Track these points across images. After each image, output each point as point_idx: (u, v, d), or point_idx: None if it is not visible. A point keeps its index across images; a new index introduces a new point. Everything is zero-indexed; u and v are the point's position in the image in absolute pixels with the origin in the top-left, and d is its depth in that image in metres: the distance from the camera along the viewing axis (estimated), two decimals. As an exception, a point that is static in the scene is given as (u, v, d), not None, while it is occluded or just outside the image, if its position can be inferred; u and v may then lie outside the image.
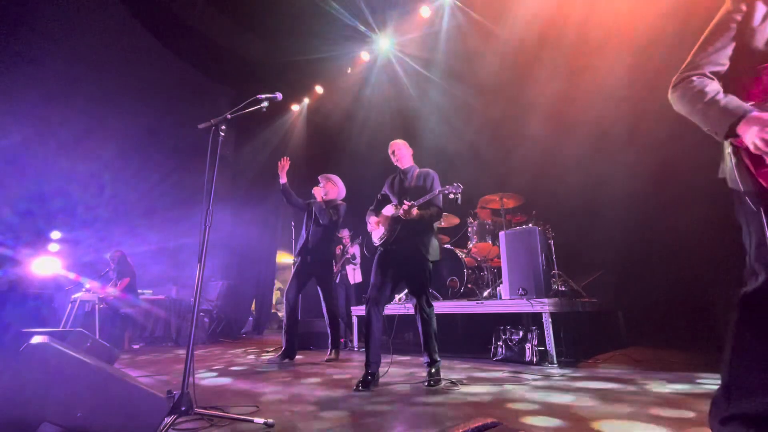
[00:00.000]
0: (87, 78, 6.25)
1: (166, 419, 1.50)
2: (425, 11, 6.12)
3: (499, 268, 4.21)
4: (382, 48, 6.86)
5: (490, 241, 4.68)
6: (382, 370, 2.66)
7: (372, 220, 2.92)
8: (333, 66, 7.37)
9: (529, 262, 3.71)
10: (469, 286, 4.59)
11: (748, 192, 1.06)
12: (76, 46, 6.13)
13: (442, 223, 5.27)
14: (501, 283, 4.05)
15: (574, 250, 4.47)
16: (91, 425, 1.26)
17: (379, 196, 3.05)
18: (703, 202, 3.74)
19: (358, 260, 6.19)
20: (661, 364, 2.98)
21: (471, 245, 4.80)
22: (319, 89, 8.04)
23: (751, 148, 0.99)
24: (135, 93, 6.68)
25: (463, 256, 4.70)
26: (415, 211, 2.58)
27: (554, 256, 4.06)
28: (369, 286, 2.75)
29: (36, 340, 1.30)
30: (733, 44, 1.15)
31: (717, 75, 1.16)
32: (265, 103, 2.23)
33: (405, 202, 2.59)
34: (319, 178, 4.06)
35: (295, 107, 8.77)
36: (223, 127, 2.09)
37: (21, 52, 5.70)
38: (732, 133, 1.04)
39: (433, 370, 2.59)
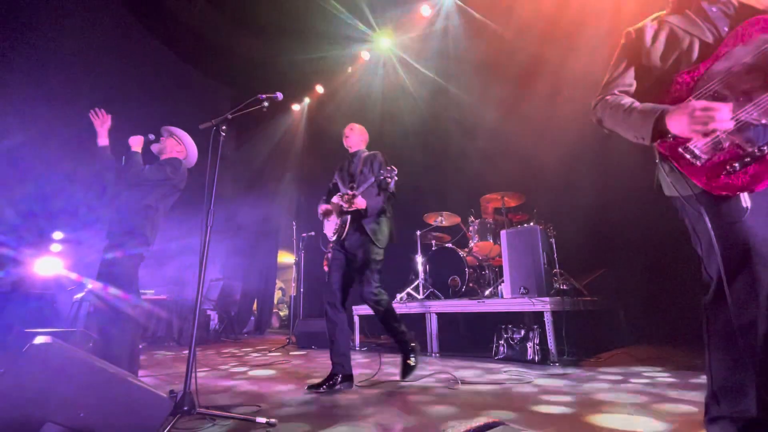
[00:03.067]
0: (88, 79, 6.26)
1: (168, 419, 1.51)
2: (426, 10, 6.12)
3: (501, 267, 4.20)
4: (383, 47, 6.85)
5: (491, 240, 4.68)
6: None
7: (321, 210, 2.78)
8: (333, 65, 7.37)
9: (530, 260, 3.71)
10: (471, 285, 4.59)
11: (687, 196, 1.09)
12: (77, 47, 6.14)
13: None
14: (502, 281, 4.05)
15: (575, 249, 4.46)
16: (93, 425, 1.27)
17: (330, 185, 2.93)
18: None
19: None
20: (662, 362, 2.97)
21: (472, 244, 4.80)
22: (319, 89, 8.04)
23: (690, 136, 1.01)
24: (136, 93, 6.69)
25: (465, 255, 4.70)
26: (360, 200, 2.49)
27: (555, 255, 4.05)
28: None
29: (39, 340, 1.30)
30: (633, 67, 1.29)
31: (627, 94, 1.27)
32: (266, 103, 2.23)
33: (347, 192, 2.51)
34: (162, 129, 2.89)
35: (295, 107, 8.77)
36: (224, 128, 2.09)
37: (23, 52, 5.72)
38: (659, 133, 1.08)
39: (411, 361, 2.47)
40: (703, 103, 0.98)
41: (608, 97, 1.27)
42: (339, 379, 2.43)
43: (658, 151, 1.15)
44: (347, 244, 2.63)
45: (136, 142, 2.72)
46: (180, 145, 2.90)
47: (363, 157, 2.79)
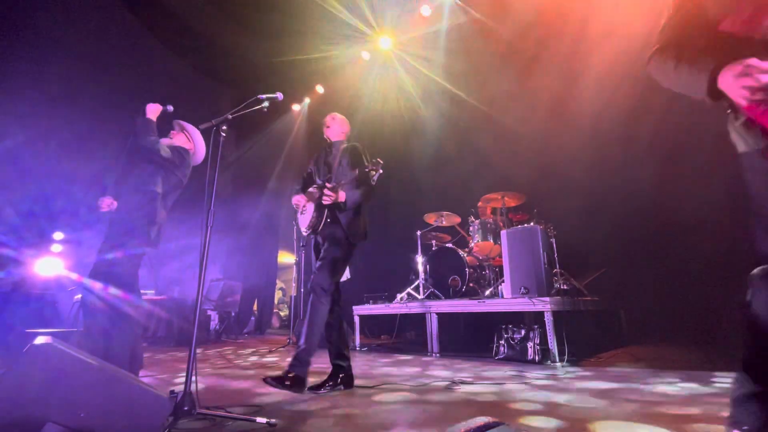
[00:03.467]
0: (89, 79, 6.27)
1: (169, 419, 1.51)
2: (426, 10, 6.12)
3: (501, 267, 4.20)
4: (383, 47, 6.85)
5: (491, 240, 4.68)
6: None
7: (295, 201, 2.62)
8: (334, 65, 7.37)
9: (530, 260, 3.71)
10: (471, 285, 4.59)
11: (763, 149, 0.91)
12: (78, 48, 6.14)
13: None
14: (503, 281, 4.05)
15: (575, 249, 4.46)
16: (94, 425, 1.27)
17: (304, 174, 2.81)
18: (705, 200, 3.73)
19: None
20: (662, 362, 2.97)
21: (473, 244, 4.80)
22: (319, 89, 8.04)
23: (742, 103, 0.87)
24: (136, 93, 6.66)
25: (465, 255, 4.70)
26: (341, 194, 2.36)
27: (556, 255, 4.05)
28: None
29: (39, 340, 1.30)
30: (689, 7, 1.09)
31: (682, 39, 1.08)
32: (266, 103, 2.22)
33: (326, 185, 2.35)
34: (173, 122, 2.91)
35: (295, 107, 8.77)
36: (224, 128, 2.09)
37: (23, 53, 5.72)
38: (717, 94, 0.93)
39: (291, 373, 2.13)
40: (753, 61, 0.83)
41: (659, 52, 1.10)
42: (339, 379, 2.41)
43: (729, 102, 0.97)
44: (321, 237, 2.52)
45: (153, 110, 2.66)
46: (190, 142, 2.86)
47: (342, 148, 2.69)
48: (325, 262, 2.37)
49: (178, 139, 2.81)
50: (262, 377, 2.21)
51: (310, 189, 2.62)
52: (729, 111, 1.00)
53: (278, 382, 2.11)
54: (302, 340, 2.26)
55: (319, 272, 2.34)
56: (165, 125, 2.81)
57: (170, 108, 2.74)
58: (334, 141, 2.75)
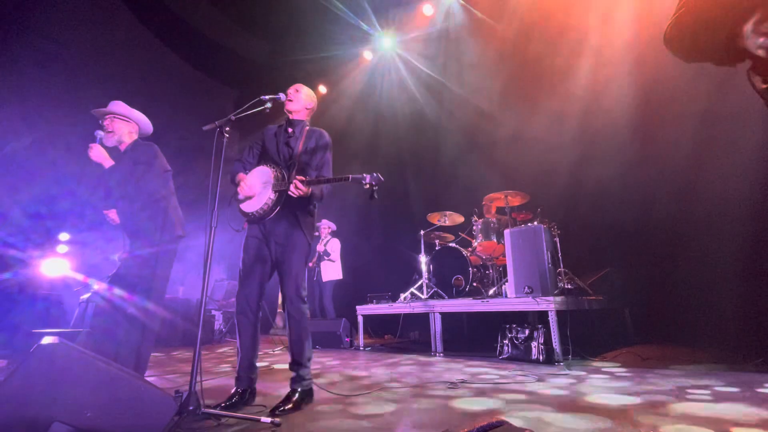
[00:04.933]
0: (93, 81, 6.32)
1: (174, 419, 1.52)
2: (428, 9, 6.12)
3: (505, 267, 4.19)
4: (385, 47, 6.85)
5: (495, 240, 4.67)
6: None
7: (249, 184, 2.23)
8: (336, 65, 7.39)
9: (534, 260, 3.70)
10: (475, 284, 4.58)
11: None
12: (83, 50, 6.20)
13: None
14: (506, 281, 4.04)
15: (580, 248, 4.45)
16: (100, 425, 1.28)
17: (255, 145, 2.47)
18: (708, 200, 3.70)
19: (333, 255, 5.81)
20: (668, 361, 2.96)
21: (476, 244, 4.79)
22: (322, 89, 8.05)
23: (762, 54, 0.81)
24: (140, 95, 6.70)
25: (468, 254, 4.70)
26: (306, 188, 2.08)
27: (560, 254, 4.03)
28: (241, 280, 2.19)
29: (46, 340, 1.32)
30: None
31: (704, 7, 1.00)
32: (269, 104, 2.23)
33: (296, 178, 2.06)
34: (95, 114, 2.66)
35: (298, 107, 8.78)
36: (228, 129, 2.10)
37: (30, 55, 5.78)
38: (737, 54, 0.86)
39: (298, 390, 2.00)
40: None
41: (676, 24, 1.03)
42: (241, 395, 2.03)
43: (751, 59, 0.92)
44: (274, 230, 2.20)
45: (101, 155, 2.52)
46: (129, 122, 2.69)
47: (306, 131, 2.37)
48: (294, 268, 2.14)
49: (119, 129, 2.62)
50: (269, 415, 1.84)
51: (265, 169, 2.25)
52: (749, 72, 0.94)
53: (291, 406, 1.93)
54: (297, 357, 2.08)
55: (293, 279, 2.12)
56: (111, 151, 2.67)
57: (100, 133, 2.59)
58: (296, 120, 2.40)
